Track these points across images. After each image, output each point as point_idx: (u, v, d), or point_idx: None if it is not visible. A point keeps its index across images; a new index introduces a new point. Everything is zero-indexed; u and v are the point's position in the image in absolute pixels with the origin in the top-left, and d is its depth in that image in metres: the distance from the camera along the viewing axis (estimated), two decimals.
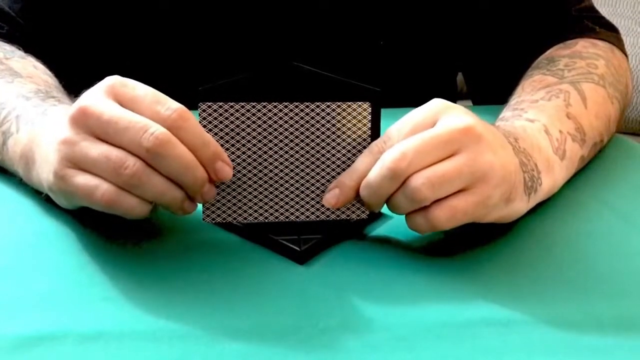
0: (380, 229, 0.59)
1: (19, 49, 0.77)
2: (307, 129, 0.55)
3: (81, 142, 0.51)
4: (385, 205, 0.54)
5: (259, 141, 0.55)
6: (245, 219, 0.56)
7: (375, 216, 0.60)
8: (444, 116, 0.53)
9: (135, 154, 0.50)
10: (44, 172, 0.55)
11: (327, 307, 0.50)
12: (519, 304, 0.51)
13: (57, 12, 0.81)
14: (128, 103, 0.51)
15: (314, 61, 0.84)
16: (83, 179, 0.51)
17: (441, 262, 0.55)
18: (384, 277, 0.53)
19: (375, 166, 0.52)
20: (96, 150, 0.50)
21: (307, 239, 0.55)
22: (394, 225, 0.59)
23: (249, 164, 0.55)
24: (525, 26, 0.85)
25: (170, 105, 0.51)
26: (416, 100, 0.68)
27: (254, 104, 0.54)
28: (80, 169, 0.51)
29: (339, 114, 0.55)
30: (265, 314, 0.49)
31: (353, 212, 0.56)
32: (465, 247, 0.57)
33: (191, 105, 0.55)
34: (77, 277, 0.53)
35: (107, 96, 0.52)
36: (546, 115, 0.65)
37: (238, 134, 0.54)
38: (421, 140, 0.51)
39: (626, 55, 0.83)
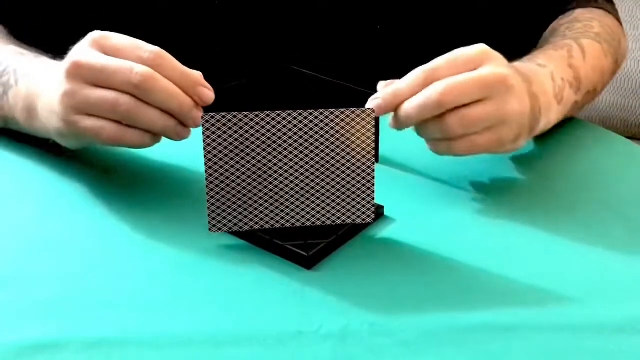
0: (383, 233, 0.59)
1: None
2: (311, 137, 0.55)
3: (80, 91, 0.58)
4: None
5: (263, 150, 0.55)
6: (251, 227, 0.56)
7: (378, 216, 0.60)
8: (487, 63, 0.61)
9: (127, 92, 0.57)
10: (52, 122, 0.61)
11: (329, 312, 0.50)
12: (522, 308, 0.51)
13: (49, 16, 0.81)
14: (112, 52, 0.58)
15: (311, 45, 0.84)
16: (90, 122, 0.58)
17: (444, 267, 0.55)
18: (386, 281, 0.53)
19: (424, 92, 0.59)
20: (93, 95, 0.58)
21: (314, 244, 0.55)
22: (397, 230, 0.59)
23: (254, 172, 0.55)
24: (527, 8, 0.87)
25: (147, 48, 0.58)
26: None
27: (257, 113, 0.54)
28: (84, 114, 0.58)
29: (342, 120, 0.55)
30: (267, 320, 0.49)
31: (358, 216, 0.57)
32: (468, 252, 0.57)
33: None
34: (79, 284, 0.53)
35: (93, 48, 0.59)
36: (553, 64, 0.73)
37: (242, 143, 0.54)
38: (466, 81, 0.59)
39: (620, 22, 0.90)
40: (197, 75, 0.58)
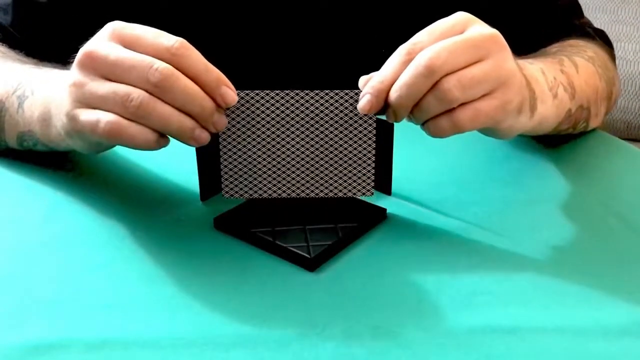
0: (386, 236, 0.59)
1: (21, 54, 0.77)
2: (317, 115, 0.57)
3: (90, 82, 0.53)
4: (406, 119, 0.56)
5: (272, 125, 0.57)
6: (260, 195, 0.59)
7: (381, 218, 0.61)
8: (471, 26, 0.56)
9: (143, 89, 0.52)
10: (60, 118, 0.57)
11: (332, 314, 0.50)
12: (525, 311, 0.51)
13: (51, 20, 0.80)
14: (131, 43, 0.54)
15: (313, 70, 0.83)
16: (88, 114, 0.53)
17: (446, 269, 0.55)
18: (389, 284, 0.53)
19: (409, 66, 0.54)
20: (104, 88, 0.53)
21: (317, 246, 0.56)
22: (400, 232, 0.59)
23: (263, 145, 0.58)
24: (527, 33, 0.85)
25: (171, 37, 0.53)
26: None
27: (267, 91, 0.56)
28: (90, 107, 0.54)
29: (346, 100, 0.57)
30: (270, 321, 0.49)
31: (359, 189, 0.59)
32: (471, 255, 0.57)
33: None
34: (82, 285, 0.53)
35: (110, 39, 0.54)
36: (542, 64, 0.69)
37: (253, 119, 0.57)
38: (454, 42, 0.54)
39: (614, 64, 0.86)
40: (220, 73, 0.54)
